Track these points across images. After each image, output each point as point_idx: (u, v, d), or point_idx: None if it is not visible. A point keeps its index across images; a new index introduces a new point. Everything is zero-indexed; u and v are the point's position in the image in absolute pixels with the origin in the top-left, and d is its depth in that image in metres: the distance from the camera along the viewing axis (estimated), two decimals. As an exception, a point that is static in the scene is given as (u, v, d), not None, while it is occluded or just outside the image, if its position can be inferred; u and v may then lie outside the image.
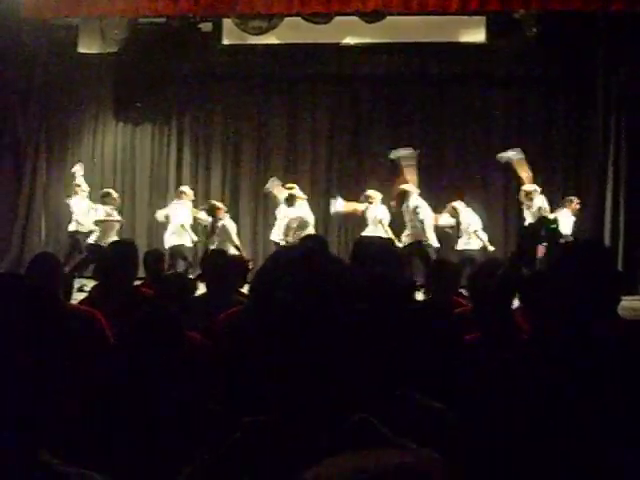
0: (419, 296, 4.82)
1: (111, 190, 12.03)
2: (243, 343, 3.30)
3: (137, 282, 5.24)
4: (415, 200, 10.88)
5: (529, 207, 10.76)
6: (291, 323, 1.39)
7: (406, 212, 10.83)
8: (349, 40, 12.48)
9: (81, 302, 4.81)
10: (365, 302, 1.47)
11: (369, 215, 11.30)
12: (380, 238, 4.20)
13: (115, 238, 11.13)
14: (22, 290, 2.97)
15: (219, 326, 3.77)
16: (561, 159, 12.79)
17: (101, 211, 11.58)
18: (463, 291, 5.26)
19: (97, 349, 3.60)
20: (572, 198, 11.27)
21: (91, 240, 11.52)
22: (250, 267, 6.67)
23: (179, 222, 11.51)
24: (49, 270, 3.96)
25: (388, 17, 10.93)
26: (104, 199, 11.70)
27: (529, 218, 10.40)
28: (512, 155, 11.36)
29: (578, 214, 11.18)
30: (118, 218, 11.80)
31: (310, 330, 1.38)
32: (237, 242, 11.35)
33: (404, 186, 11.00)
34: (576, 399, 2.31)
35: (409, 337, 2.87)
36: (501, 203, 12.73)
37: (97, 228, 11.54)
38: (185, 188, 12.08)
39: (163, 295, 3.91)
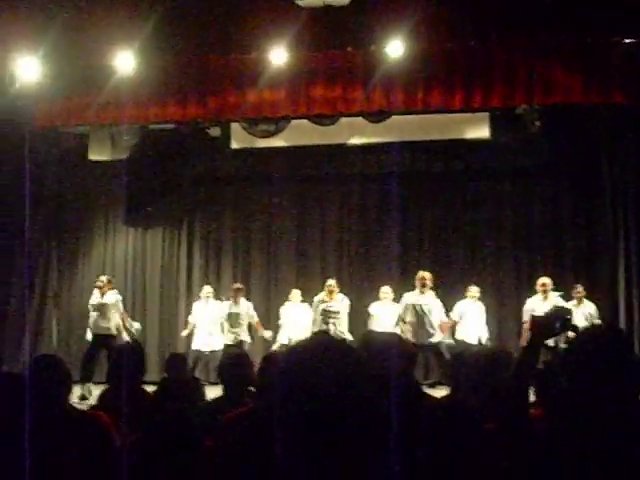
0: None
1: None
2: (247, 444, 3.24)
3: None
4: None
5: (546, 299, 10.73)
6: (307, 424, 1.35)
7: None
8: (355, 140, 12.67)
9: (92, 407, 4.82)
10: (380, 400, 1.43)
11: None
12: (388, 333, 4.15)
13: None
14: (23, 390, 2.93)
15: (224, 427, 3.70)
16: (571, 249, 12.76)
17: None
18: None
19: (102, 451, 3.53)
20: (575, 286, 11.22)
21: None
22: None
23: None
24: (53, 373, 3.90)
25: (393, 117, 11.12)
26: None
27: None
28: None
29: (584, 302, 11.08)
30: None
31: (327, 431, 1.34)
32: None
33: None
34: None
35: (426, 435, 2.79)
36: (513, 296, 12.65)
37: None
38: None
39: (167, 399, 3.84)
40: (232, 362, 5.19)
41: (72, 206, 13.72)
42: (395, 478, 1.80)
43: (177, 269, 13.82)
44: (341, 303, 11.54)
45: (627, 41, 9.86)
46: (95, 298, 11.66)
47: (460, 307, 11.45)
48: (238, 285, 12.17)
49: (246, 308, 11.83)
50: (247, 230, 13.88)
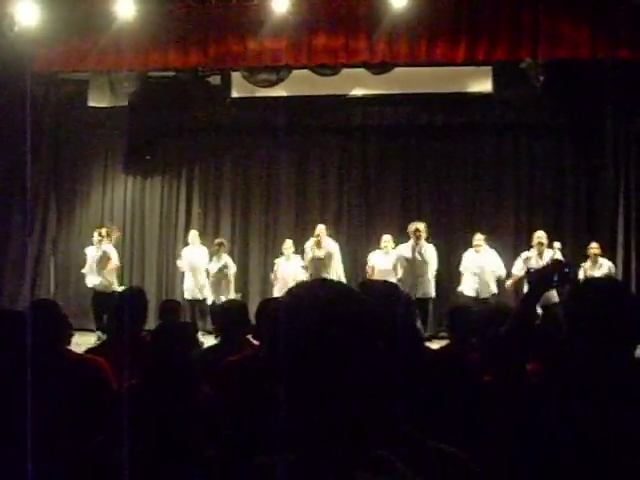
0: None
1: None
2: (249, 388, 3.25)
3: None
4: None
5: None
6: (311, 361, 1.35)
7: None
8: (357, 92, 12.58)
9: (89, 351, 4.76)
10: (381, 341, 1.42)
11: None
12: (385, 281, 4.13)
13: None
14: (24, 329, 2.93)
15: (224, 372, 3.72)
16: (571, 205, 12.74)
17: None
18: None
19: (97, 395, 3.55)
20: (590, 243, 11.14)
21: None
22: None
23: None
24: (50, 316, 3.88)
25: (395, 69, 11.01)
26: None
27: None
28: None
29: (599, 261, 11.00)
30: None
31: (331, 368, 1.34)
32: None
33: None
34: (594, 441, 2.24)
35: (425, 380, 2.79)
36: (511, 251, 12.65)
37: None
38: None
39: (163, 344, 3.83)
40: (231, 309, 5.18)
41: (71, 152, 13.62)
42: (398, 422, 1.80)
43: (176, 217, 13.79)
44: (330, 247, 11.50)
45: (635, -4, 9.75)
46: (93, 253, 11.69)
47: (464, 259, 11.43)
48: (220, 240, 12.15)
49: (225, 263, 11.77)
50: (246, 179, 13.81)
